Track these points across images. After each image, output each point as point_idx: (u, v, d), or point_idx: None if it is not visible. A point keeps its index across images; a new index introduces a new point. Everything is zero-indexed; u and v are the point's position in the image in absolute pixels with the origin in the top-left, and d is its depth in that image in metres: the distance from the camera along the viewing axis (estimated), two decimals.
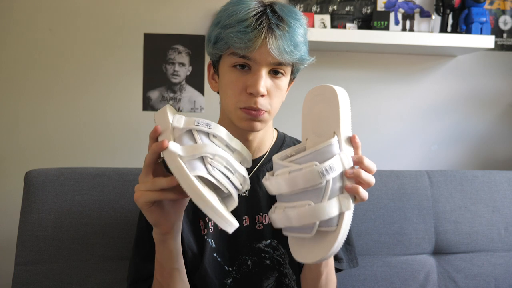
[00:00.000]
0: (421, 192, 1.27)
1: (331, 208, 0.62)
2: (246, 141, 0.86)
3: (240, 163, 0.69)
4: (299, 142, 0.96)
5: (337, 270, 0.89)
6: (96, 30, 1.60)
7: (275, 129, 0.97)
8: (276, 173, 0.67)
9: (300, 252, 0.67)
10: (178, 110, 1.65)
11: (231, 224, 0.62)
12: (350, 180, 0.64)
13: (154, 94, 1.64)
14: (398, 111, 1.73)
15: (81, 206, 1.10)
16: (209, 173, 0.63)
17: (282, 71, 0.79)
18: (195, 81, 1.65)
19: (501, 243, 1.28)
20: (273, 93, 0.79)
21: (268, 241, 0.88)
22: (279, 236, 0.86)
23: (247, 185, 0.69)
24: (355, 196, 0.64)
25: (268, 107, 0.79)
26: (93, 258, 1.09)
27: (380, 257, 1.22)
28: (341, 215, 0.63)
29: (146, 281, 0.85)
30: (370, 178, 0.65)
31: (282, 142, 0.95)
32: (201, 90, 1.65)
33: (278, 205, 0.68)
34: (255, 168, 0.89)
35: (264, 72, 0.76)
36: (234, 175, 0.66)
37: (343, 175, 0.64)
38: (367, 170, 0.65)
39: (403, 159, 1.73)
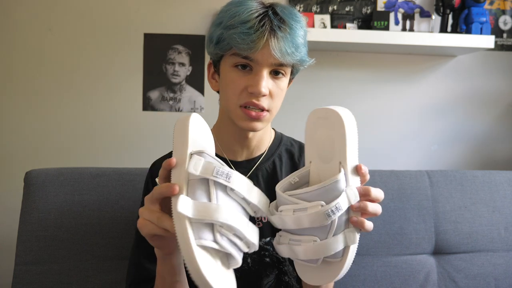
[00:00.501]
0: (421, 192, 1.27)
1: (337, 243, 0.62)
2: (246, 139, 0.87)
3: (254, 212, 0.66)
4: (296, 142, 0.97)
5: None
6: (96, 30, 1.60)
7: (273, 128, 0.98)
8: (280, 209, 0.66)
9: (306, 275, 0.68)
10: (178, 110, 1.65)
11: None
12: (356, 213, 0.63)
13: (154, 94, 1.64)
14: (398, 111, 1.73)
15: (81, 206, 1.10)
16: (215, 241, 0.58)
17: (283, 72, 0.80)
18: (195, 81, 1.65)
19: (501, 243, 1.27)
20: (274, 93, 0.80)
21: (268, 239, 0.88)
22: None
23: (255, 248, 0.64)
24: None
25: (270, 107, 0.80)
26: (93, 258, 1.09)
27: (380, 257, 1.22)
28: (346, 248, 0.63)
29: (147, 283, 0.85)
30: (377, 209, 0.64)
31: (280, 141, 0.95)
32: (201, 90, 1.65)
33: (283, 235, 0.67)
34: (255, 167, 0.90)
35: (265, 73, 0.77)
36: (243, 241, 0.61)
37: (349, 208, 0.63)
38: (374, 200, 0.64)
39: (403, 159, 1.73)
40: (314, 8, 1.66)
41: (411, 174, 1.29)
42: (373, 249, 1.21)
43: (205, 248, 0.58)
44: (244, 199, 0.62)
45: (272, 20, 0.75)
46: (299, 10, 1.65)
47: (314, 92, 1.68)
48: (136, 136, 1.63)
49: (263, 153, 0.92)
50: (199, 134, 0.65)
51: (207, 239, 0.57)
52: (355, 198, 0.62)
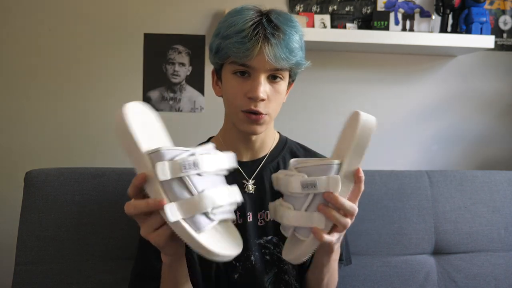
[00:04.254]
0: (421, 192, 1.27)
1: (304, 218, 0.68)
2: (249, 142, 0.92)
3: (227, 171, 0.70)
4: (301, 146, 1.02)
5: None
6: (96, 30, 1.60)
7: (278, 132, 1.01)
8: (279, 172, 0.76)
9: (284, 249, 0.76)
10: (178, 110, 1.65)
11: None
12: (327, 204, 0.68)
13: (154, 94, 1.64)
14: (398, 111, 1.73)
15: (81, 206, 1.10)
16: (211, 220, 0.63)
17: (280, 76, 0.84)
18: (195, 81, 1.65)
19: (501, 243, 1.28)
20: (272, 97, 0.83)
21: (269, 237, 0.91)
22: (280, 233, 0.88)
23: (241, 200, 0.70)
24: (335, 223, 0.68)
25: (268, 111, 0.84)
26: (93, 258, 1.09)
27: (380, 257, 1.22)
28: (312, 230, 0.68)
29: (152, 280, 0.86)
30: (341, 220, 0.67)
31: (284, 145, 0.99)
32: (201, 90, 1.65)
33: (278, 200, 0.76)
34: (259, 167, 0.94)
35: (262, 78, 0.81)
36: (231, 205, 0.68)
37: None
38: (340, 209, 0.67)
39: (403, 159, 1.73)
40: (314, 8, 1.66)
41: (411, 174, 1.29)
42: (373, 249, 1.21)
43: (206, 232, 0.62)
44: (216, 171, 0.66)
45: (266, 28, 0.79)
46: (299, 10, 1.65)
47: (314, 92, 1.68)
48: None
49: (266, 154, 0.96)
50: (142, 125, 0.66)
51: (205, 225, 0.62)
52: (334, 187, 0.66)
